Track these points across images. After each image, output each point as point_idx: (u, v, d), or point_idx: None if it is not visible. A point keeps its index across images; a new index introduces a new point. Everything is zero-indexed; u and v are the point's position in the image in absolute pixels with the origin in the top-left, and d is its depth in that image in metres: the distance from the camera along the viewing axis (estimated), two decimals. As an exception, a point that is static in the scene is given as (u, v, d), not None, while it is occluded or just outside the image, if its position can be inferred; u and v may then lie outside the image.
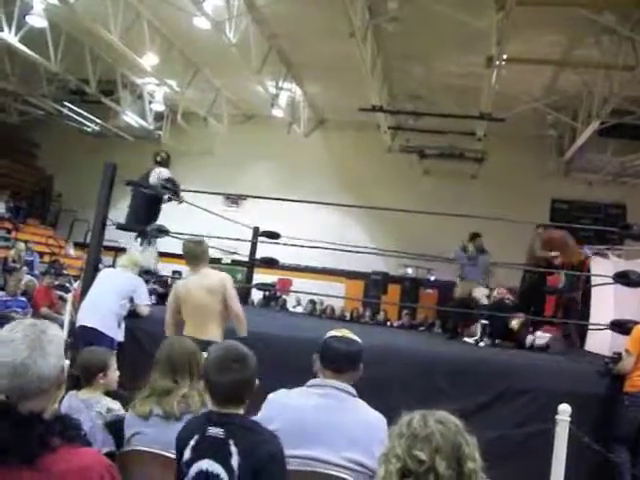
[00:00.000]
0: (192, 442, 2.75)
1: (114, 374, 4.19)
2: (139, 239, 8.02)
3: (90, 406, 3.94)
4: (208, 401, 3.04)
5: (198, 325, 5.42)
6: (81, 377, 4.12)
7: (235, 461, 2.64)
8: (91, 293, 6.59)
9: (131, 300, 6.60)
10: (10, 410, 1.96)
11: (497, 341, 8.78)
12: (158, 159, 8.69)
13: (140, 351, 6.18)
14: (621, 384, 5.88)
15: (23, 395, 1.97)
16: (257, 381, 2.93)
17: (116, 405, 3.95)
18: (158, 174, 8.41)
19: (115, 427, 3.79)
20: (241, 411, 2.83)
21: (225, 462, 2.65)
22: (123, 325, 6.47)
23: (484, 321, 8.80)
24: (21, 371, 1.96)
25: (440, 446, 1.94)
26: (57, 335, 2.10)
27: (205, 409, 3.15)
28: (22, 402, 1.97)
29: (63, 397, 3.93)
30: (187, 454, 2.74)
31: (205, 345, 3.48)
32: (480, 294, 9.36)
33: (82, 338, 6.10)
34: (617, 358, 6.11)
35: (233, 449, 2.65)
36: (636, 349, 5.91)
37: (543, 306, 11.03)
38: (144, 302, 6.75)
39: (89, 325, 6.22)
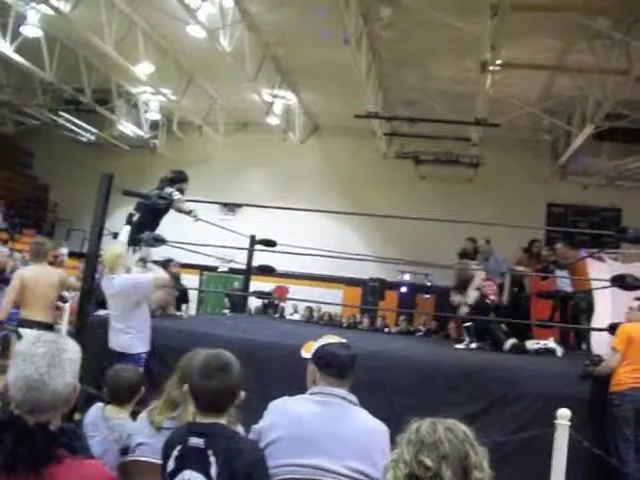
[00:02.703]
0: (175, 452, 2.75)
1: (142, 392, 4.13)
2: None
3: (112, 428, 3.83)
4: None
5: None
6: (112, 396, 4.03)
7: (214, 471, 2.64)
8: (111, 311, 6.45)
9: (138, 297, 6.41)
10: (17, 421, 1.98)
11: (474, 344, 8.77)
12: (169, 175, 8.56)
13: (162, 365, 6.14)
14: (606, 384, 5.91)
15: (35, 409, 2.01)
16: (242, 392, 2.91)
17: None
18: (161, 188, 8.33)
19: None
20: (223, 420, 2.82)
21: (205, 472, 2.66)
22: (149, 330, 6.31)
23: (467, 323, 8.87)
24: (38, 386, 2.00)
25: (447, 453, 1.94)
26: (75, 352, 2.14)
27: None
28: (31, 415, 1.99)
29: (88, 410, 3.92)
30: (171, 465, 2.75)
31: None
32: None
33: (113, 360, 6.06)
34: (597, 360, 6.14)
35: (212, 459, 2.66)
36: (621, 346, 5.98)
37: (527, 313, 11.13)
38: (149, 276, 6.63)
39: (116, 349, 6.16)
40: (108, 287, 6.36)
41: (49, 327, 6.86)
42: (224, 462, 2.64)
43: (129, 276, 6.44)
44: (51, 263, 8.80)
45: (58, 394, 2.02)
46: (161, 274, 6.63)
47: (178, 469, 2.72)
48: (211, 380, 2.78)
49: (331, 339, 3.44)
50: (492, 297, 8.99)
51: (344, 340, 3.46)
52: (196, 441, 2.71)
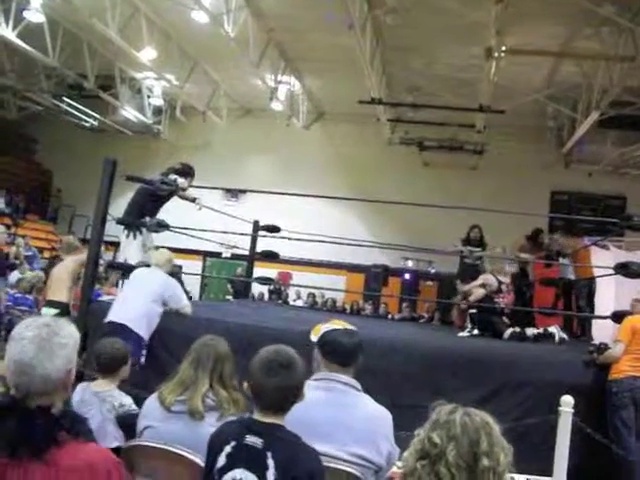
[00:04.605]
0: (228, 448, 2.66)
1: (128, 367, 4.25)
2: (125, 231, 7.98)
3: (103, 399, 3.94)
4: (243, 409, 3.11)
5: None
6: (99, 368, 4.11)
7: (272, 474, 2.55)
8: (125, 291, 6.64)
9: (164, 302, 6.52)
10: (17, 405, 1.98)
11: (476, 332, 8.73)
12: (177, 167, 8.55)
13: (167, 354, 6.17)
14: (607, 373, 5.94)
15: (29, 392, 1.99)
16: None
17: (128, 400, 3.95)
18: (166, 175, 8.31)
19: (126, 422, 3.79)
20: (282, 422, 2.72)
21: (260, 474, 2.57)
22: (154, 326, 6.39)
23: (472, 310, 8.82)
24: (27, 370, 1.99)
25: (457, 435, 1.95)
26: (71, 336, 2.10)
27: (240, 416, 3.12)
28: (29, 398, 1.98)
29: (75, 389, 3.96)
30: (221, 461, 2.66)
31: None
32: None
33: (110, 333, 6.10)
34: (602, 348, 6.16)
35: (270, 462, 2.57)
36: (626, 338, 6.01)
37: (531, 301, 11.12)
38: (182, 304, 6.70)
39: (118, 321, 6.20)
40: (149, 274, 6.72)
41: (59, 304, 7.34)
42: (284, 468, 2.55)
43: (177, 287, 6.77)
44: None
45: (47, 378, 2.00)
46: (188, 310, 6.73)
47: (230, 466, 2.64)
48: (273, 377, 2.69)
49: (338, 324, 3.43)
50: (502, 305, 8.87)
51: (351, 326, 3.44)
52: (253, 440, 2.62)
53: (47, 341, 2.02)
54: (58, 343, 2.04)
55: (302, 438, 2.70)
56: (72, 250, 8.15)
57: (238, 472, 2.60)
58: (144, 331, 6.27)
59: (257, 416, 2.73)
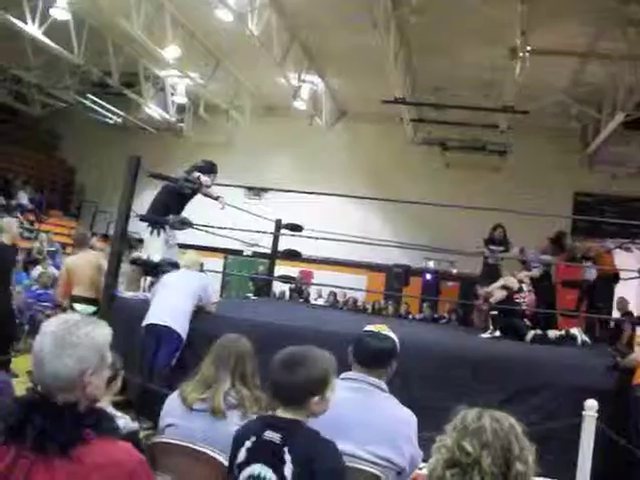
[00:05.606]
0: (248, 444, 2.67)
1: (119, 380, 3.93)
2: (149, 228, 8.03)
3: None
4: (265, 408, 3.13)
5: None
6: None
7: (288, 469, 2.54)
8: (162, 294, 6.63)
9: (200, 299, 6.69)
10: (44, 401, 1.98)
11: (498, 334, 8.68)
12: (200, 164, 8.59)
13: (190, 352, 6.21)
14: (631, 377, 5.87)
15: (47, 388, 2.00)
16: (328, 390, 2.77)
17: (122, 421, 3.62)
18: (189, 172, 8.34)
19: None
20: (302, 417, 2.70)
21: (277, 469, 2.56)
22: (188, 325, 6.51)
23: (493, 312, 8.77)
24: (39, 365, 2.00)
25: (489, 442, 1.93)
26: (87, 336, 2.06)
27: (261, 413, 3.15)
28: (52, 394, 1.99)
29: None
30: (241, 456, 2.67)
31: None
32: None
33: (152, 335, 6.28)
34: (625, 352, 6.11)
35: (287, 457, 2.55)
36: None
37: (553, 302, 11.06)
38: (212, 300, 6.95)
39: (161, 323, 6.29)
40: (183, 275, 6.99)
41: (94, 301, 7.42)
42: (302, 464, 2.54)
43: (211, 283, 7.26)
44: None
45: (56, 375, 1.98)
46: (213, 309, 6.94)
47: (248, 461, 2.64)
48: (288, 374, 2.69)
49: (376, 328, 3.44)
50: (525, 307, 8.80)
51: (388, 331, 3.42)
52: (272, 435, 2.62)
53: (61, 338, 2.01)
54: (70, 342, 2.01)
55: (326, 435, 2.68)
56: (85, 243, 8.21)
57: (256, 467, 2.61)
58: (184, 331, 6.36)
59: (278, 413, 2.74)
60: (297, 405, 2.70)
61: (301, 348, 2.81)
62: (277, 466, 2.56)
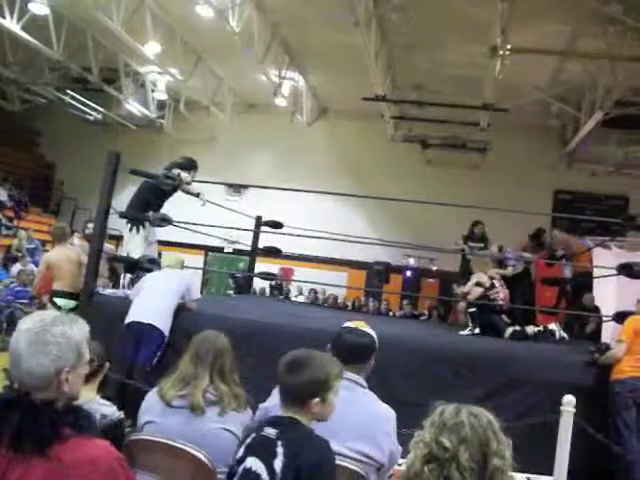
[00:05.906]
0: (248, 440, 2.74)
1: (105, 368, 4.00)
2: (129, 225, 8.01)
3: None
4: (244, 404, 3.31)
5: None
6: None
7: (279, 462, 2.58)
8: (145, 292, 6.59)
9: (182, 296, 6.70)
10: (21, 399, 1.97)
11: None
12: (180, 161, 8.58)
13: (170, 349, 6.21)
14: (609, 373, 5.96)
15: (23, 386, 1.98)
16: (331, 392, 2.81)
17: (109, 409, 3.71)
18: (169, 169, 8.33)
19: (112, 433, 3.50)
20: (301, 416, 2.75)
21: (268, 462, 2.60)
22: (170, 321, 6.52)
23: (471, 309, 8.81)
24: (16, 363, 1.99)
25: (467, 437, 1.94)
26: (63, 335, 2.04)
27: (241, 411, 3.34)
28: (29, 392, 1.98)
29: None
30: (240, 452, 2.73)
31: None
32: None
33: (134, 332, 6.25)
34: (603, 348, 6.18)
35: (279, 450, 2.60)
36: (627, 338, 6.05)
37: (532, 298, 11.14)
38: (194, 298, 6.94)
39: (144, 321, 6.28)
40: (166, 273, 7.03)
41: (76, 296, 7.32)
42: (291, 456, 2.59)
43: (195, 280, 7.28)
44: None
45: (32, 374, 1.98)
46: (194, 306, 6.94)
47: (244, 457, 2.69)
48: (289, 375, 2.76)
49: (354, 324, 3.46)
50: (501, 302, 8.86)
51: (367, 328, 3.45)
52: (269, 431, 2.69)
53: (36, 336, 2.00)
54: (45, 340, 2.00)
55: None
56: (64, 237, 8.06)
57: (249, 460, 2.65)
58: (166, 329, 6.36)
59: (280, 412, 2.81)
60: (297, 406, 2.75)
61: (306, 351, 2.87)
62: (269, 460, 2.61)
